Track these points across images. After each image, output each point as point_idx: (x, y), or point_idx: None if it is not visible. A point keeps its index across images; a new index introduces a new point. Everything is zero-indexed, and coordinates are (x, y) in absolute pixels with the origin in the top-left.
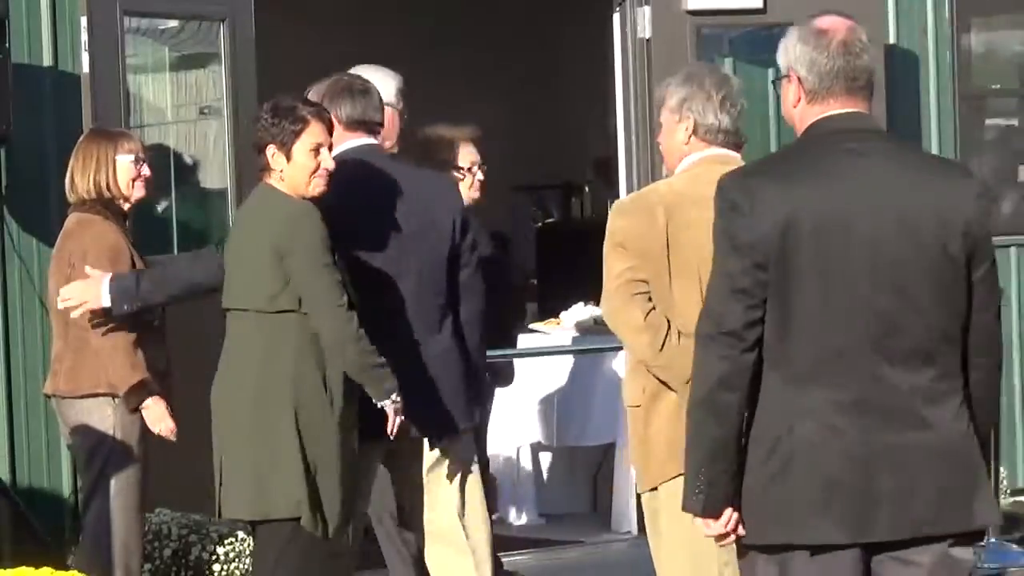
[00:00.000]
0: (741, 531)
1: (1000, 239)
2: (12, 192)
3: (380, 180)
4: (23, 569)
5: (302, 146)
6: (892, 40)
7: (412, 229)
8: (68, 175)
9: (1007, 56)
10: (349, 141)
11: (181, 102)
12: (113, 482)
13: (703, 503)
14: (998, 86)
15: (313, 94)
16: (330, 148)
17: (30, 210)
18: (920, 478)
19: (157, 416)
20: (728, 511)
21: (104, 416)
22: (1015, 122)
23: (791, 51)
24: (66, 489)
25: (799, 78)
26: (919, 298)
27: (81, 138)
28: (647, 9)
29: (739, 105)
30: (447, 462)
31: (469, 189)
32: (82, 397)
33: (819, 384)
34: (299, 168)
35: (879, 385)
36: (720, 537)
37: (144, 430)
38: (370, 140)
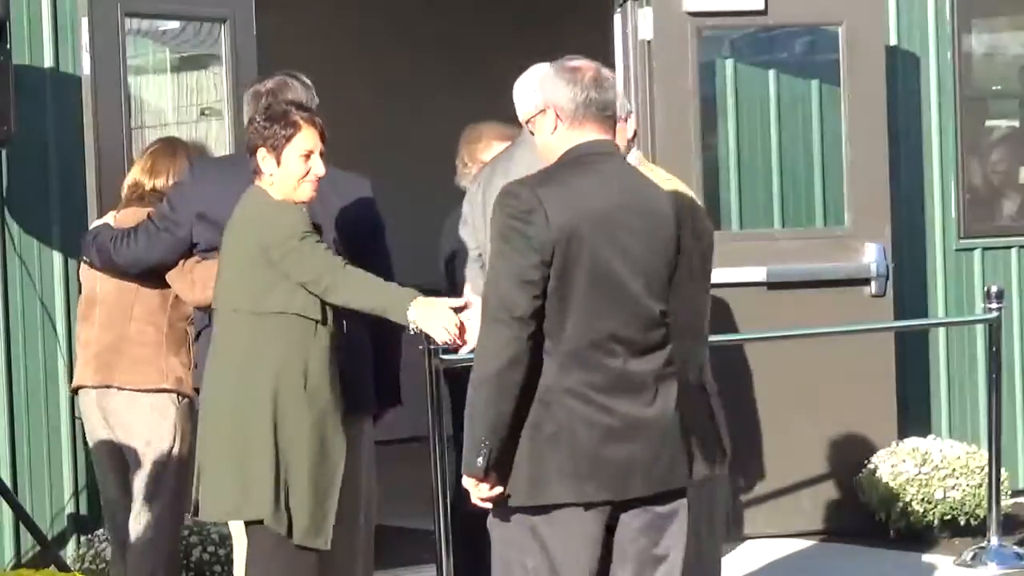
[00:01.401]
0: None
1: (1002, 240)
2: (13, 193)
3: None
4: (24, 570)
5: (292, 151)
6: (893, 41)
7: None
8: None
9: (1008, 58)
10: None
11: (182, 103)
12: (172, 486)
13: (484, 468)
14: (999, 88)
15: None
16: (322, 155)
17: (31, 211)
18: (656, 446)
19: None
20: (501, 475)
21: (167, 413)
22: (1016, 123)
23: (548, 87)
24: (67, 489)
25: (557, 110)
26: (660, 292)
27: None
28: (648, 10)
29: None
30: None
31: None
32: (145, 391)
33: (582, 366)
34: (288, 173)
35: (629, 368)
36: (489, 499)
37: (191, 431)
38: None
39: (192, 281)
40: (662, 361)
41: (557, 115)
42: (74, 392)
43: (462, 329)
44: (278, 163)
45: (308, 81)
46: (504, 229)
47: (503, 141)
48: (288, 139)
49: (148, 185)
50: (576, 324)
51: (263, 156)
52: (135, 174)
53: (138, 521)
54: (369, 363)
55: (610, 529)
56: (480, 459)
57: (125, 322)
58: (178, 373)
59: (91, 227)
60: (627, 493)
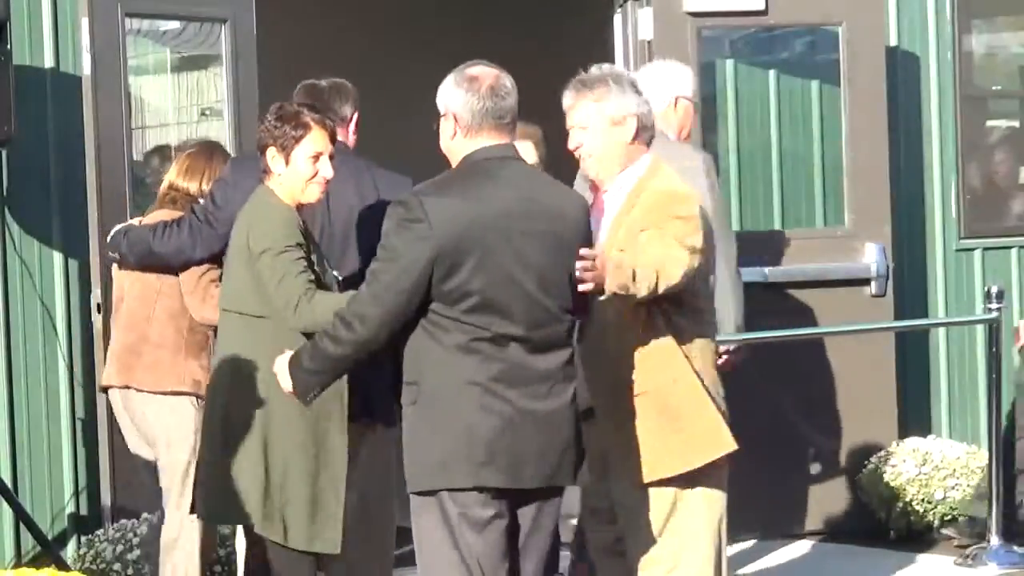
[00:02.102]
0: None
1: (1002, 240)
2: (13, 193)
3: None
4: (24, 570)
5: (302, 152)
6: (893, 42)
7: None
8: None
9: (1008, 57)
10: None
11: (182, 103)
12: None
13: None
14: (999, 88)
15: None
16: (331, 157)
17: (31, 212)
18: (550, 440)
19: None
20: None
21: (186, 416)
22: (1016, 123)
23: (448, 95)
24: (67, 489)
25: (455, 116)
26: (558, 291)
27: None
28: (648, 10)
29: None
30: None
31: None
32: (165, 394)
33: (479, 359)
34: (296, 174)
35: (525, 363)
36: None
37: None
38: None
39: (203, 298)
40: (562, 359)
41: (456, 122)
42: (104, 391)
43: None
44: (287, 163)
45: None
46: (388, 236)
47: (523, 139)
48: (298, 140)
49: (183, 187)
50: (471, 320)
51: (272, 155)
52: (171, 176)
53: (165, 521)
54: (386, 369)
55: (514, 519)
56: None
57: (146, 324)
58: (196, 376)
59: (116, 228)
60: (521, 482)
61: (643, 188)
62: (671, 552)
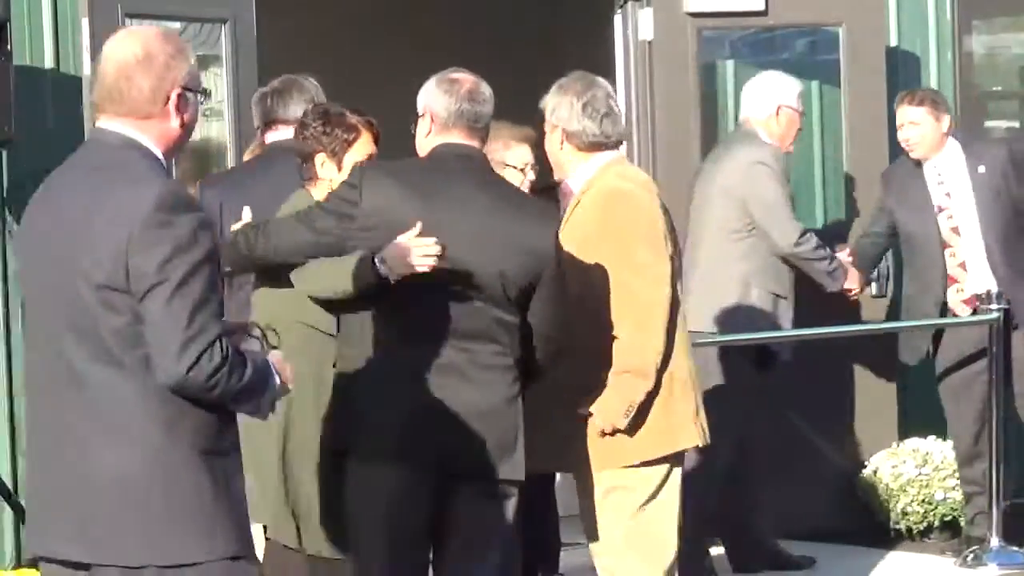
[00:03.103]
0: None
1: None
2: (13, 193)
3: None
4: (25, 570)
5: (354, 156)
6: (893, 42)
7: None
8: None
9: (1008, 58)
10: None
11: None
12: None
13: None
14: (999, 88)
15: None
16: (372, 158)
17: None
18: (473, 428)
19: None
20: None
21: None
22: (1016, 124)
23: (428, 94)
24: None
25: (432, 115)
26: (490, 288)
27: None
28: (649, 11)
29: (603, 109)
30: None
31: (520, 187)
32: None
33: (419, 345)
34: None
35: (455, 352)
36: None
37: None
38: None
39: None
40: (492, 351)
41: (432, 120)
42: None
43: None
44: (339, 168)
45: (315, 82)
46: (335, 190)
47: (521, 141)
48: (350, 144)
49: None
50: (406, 307)
51: (322, 162)
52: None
53: None
54: None
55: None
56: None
57: None
58: None
59: None
60: (453, 468)
61: (589, 187)
62: (623, 540)
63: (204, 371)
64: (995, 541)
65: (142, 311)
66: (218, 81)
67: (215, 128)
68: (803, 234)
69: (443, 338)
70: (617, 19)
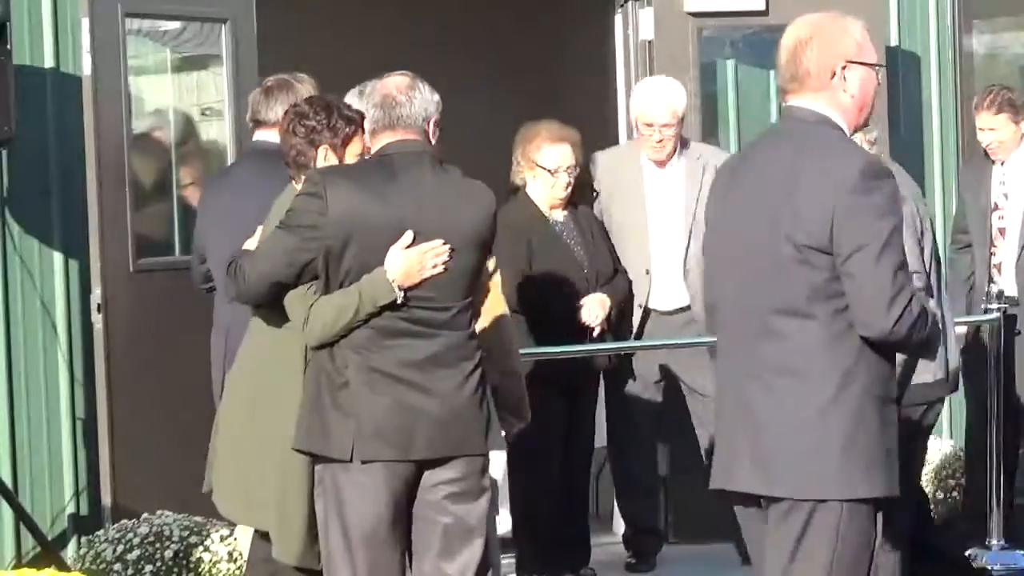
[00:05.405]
0: None
1: None
2: (13, 193)
3: None
4: (25, 570)
5: (354, 148)
6: (894, 42)
7: None
8: None
9: (1009, 58)
10: None
11: (182, 103)
12: None
13: None
14: None
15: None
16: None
17: (31, 212)
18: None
19: None
20: None
21: None
22: None
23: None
24: (67, 489)
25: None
26: (445, 285)
27: None
28: (649, 11)
29: None
30: None
31: (552, 188)
32: None
33: (385, 344)
34: None
35: (418, 344)
36: None
37: None
38: None
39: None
40: (448, 343)
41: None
42: None
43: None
44: (340, 161)
45: (311, 80)
46: (293, 202)
47: (556, 142)
48: (352, 135)
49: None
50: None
51: (325, 154)
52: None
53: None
54: None
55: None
56: None
57: None
58: None
59: None
60: (411, 454)
61: None
62: None
63: (906, 324)
64: (995, 542)
65: (846, 270)
66: (218, 81)
67: (215, 127)
68: None
69: (410, 334)
70: (617, 18)
